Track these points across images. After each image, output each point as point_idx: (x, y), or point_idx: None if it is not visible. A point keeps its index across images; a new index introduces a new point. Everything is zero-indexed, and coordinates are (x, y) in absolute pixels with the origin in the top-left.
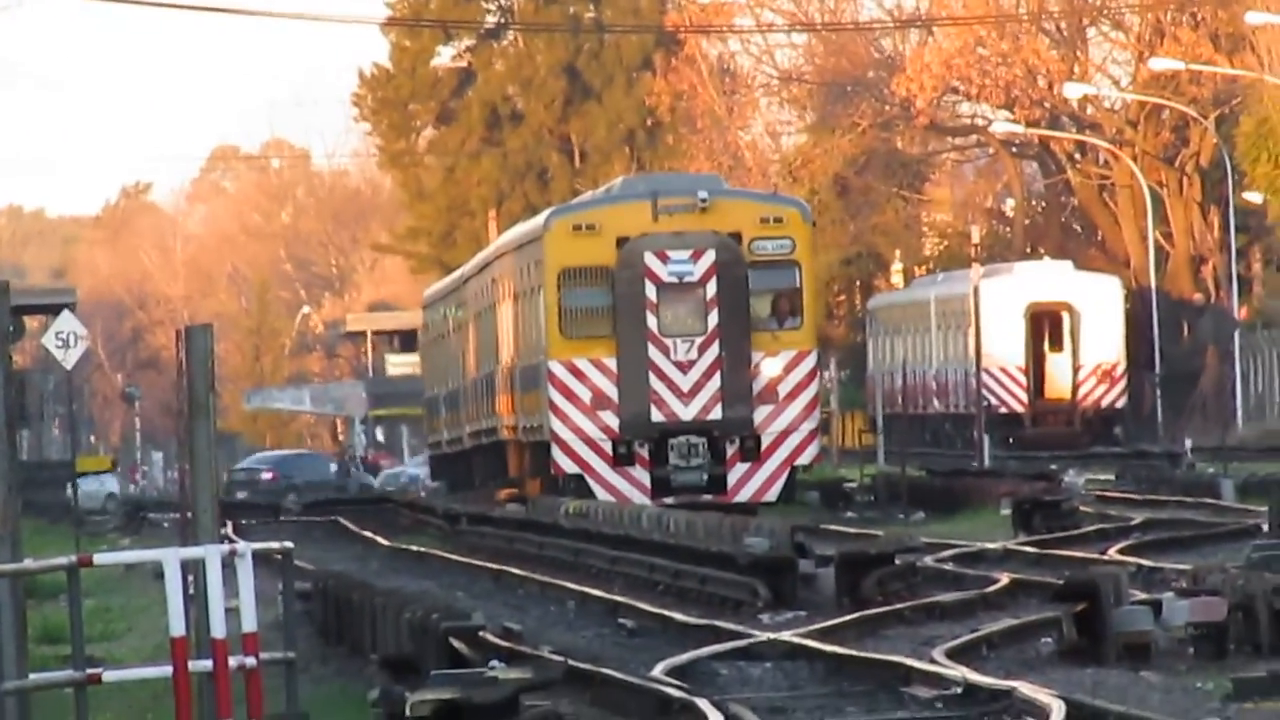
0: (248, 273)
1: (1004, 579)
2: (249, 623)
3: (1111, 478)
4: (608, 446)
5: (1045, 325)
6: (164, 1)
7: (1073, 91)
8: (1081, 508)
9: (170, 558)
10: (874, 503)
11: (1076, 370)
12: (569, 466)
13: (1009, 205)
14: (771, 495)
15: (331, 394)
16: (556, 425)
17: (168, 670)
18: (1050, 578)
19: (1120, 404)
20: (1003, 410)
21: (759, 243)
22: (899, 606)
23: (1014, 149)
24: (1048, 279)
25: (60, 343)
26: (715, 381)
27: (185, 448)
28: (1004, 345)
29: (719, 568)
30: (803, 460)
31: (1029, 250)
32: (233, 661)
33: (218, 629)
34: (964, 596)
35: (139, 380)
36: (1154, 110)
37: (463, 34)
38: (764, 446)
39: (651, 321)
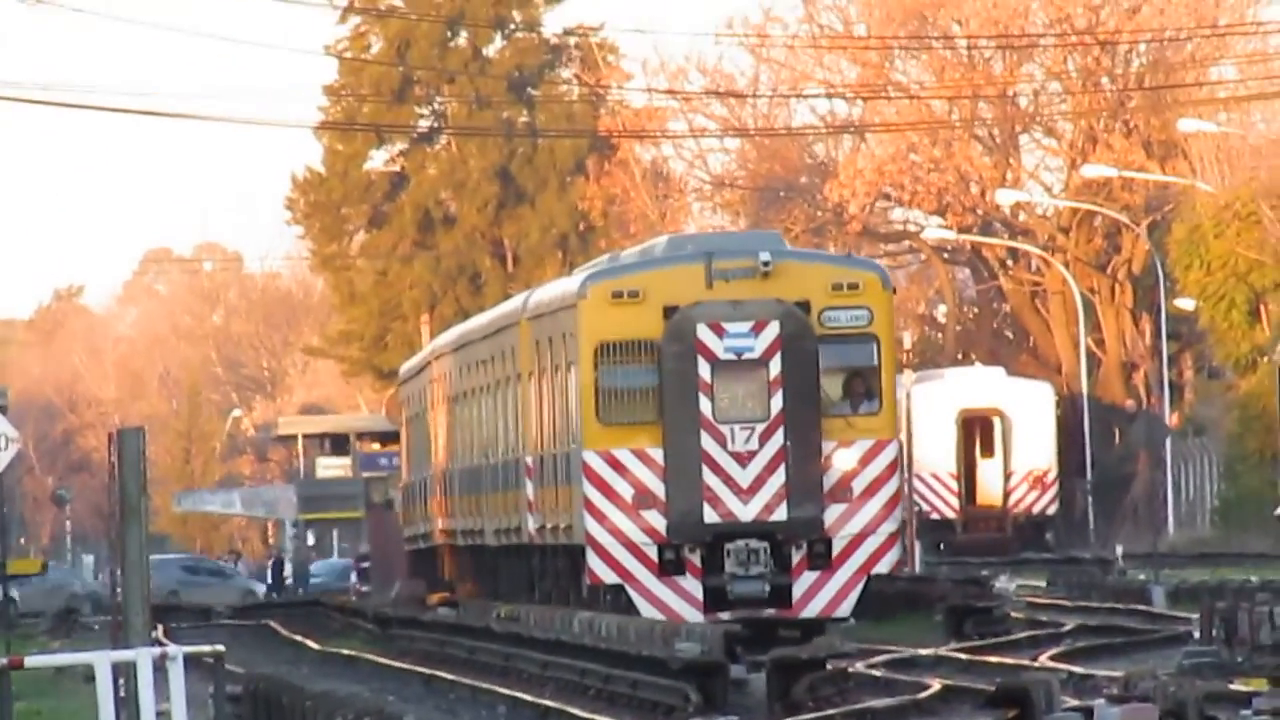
0: (179, 375)
1: (936, 685)
2: None
3: (1043, 584)
4: (653, 552)
5: (977, 431)
6: (96, 105)
7: (1005, 198)
8: (1013, 613)
9: (102, 661)
10: None
11: (1008, 476)
12: (608, 576)
13: (941, 311)
14: (845, 609)
15: (262, 497)
16: (593, 527)
17: None
18: (982, 684)
19: (1052, 510)
20: (934, 516)
21: (831, 313)
22: (830, 712)
23: (946, 255)
24: (979, 385)
25: None
26: (779, 476)
27: (117, 550)
28: (936, 451)
29: (650, 672)
30: (881, 568)
31: (961, 356)
32: None
33: None
34: (895, 702)
35: (70, 482)
36: (1086, 217)
37: (395, 138)
38: (836, 552)
39: (705, 405)
